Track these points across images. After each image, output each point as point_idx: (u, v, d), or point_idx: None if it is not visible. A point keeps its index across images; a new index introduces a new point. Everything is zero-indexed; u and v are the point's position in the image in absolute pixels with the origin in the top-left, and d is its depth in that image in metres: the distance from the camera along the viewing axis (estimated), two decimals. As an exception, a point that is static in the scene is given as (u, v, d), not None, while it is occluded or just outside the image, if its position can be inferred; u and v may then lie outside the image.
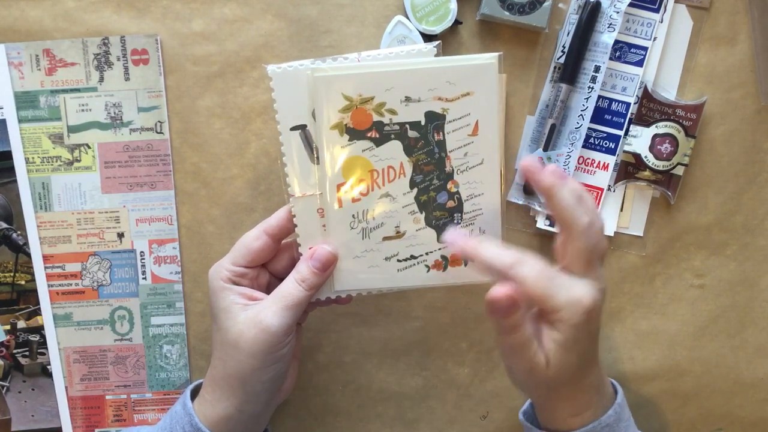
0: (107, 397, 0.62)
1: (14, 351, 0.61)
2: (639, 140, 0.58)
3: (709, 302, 0.62)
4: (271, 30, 0.59)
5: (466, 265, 0.52)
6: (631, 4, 0.57)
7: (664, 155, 0.58)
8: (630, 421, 0.52)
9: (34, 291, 0.60)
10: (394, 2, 0.58)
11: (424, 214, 0.51)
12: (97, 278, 0.61)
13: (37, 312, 0.61)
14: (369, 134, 0.50)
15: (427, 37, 0.57)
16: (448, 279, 0.52)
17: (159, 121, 0.59)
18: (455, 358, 0.62)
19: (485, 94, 0.49)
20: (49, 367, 0.61)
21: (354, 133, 0.50)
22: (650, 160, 0.58)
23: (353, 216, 0.51)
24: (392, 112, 0.50)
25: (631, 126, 0.58)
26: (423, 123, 0.50)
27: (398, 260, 0.52)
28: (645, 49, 0.58)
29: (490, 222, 0.51)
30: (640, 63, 0.58)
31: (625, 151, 0.59)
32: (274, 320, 0.49)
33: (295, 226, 0.51)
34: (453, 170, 0.51)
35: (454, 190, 0.51)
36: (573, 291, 0.45)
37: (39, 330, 0.61)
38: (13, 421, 0.62)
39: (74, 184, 0.59)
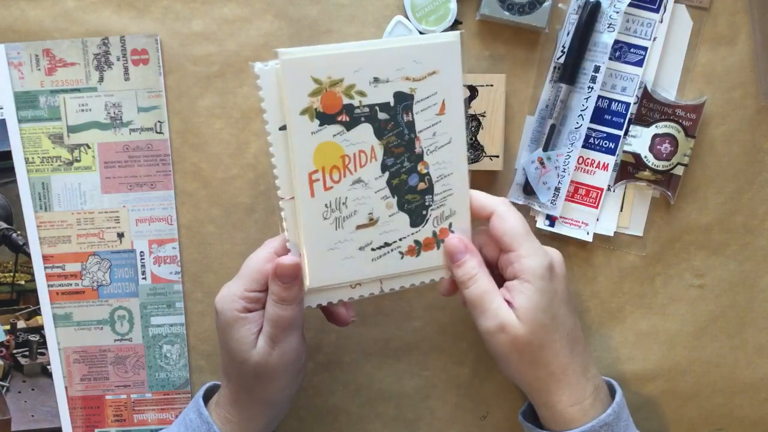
0: (107, 397, 0.62)
1: (14, 351, 0.61)
2: (639, 140, 0.58)
3: (709, 302, 0.62)
4: (271, 30, 0.59)
5: (438, 248, 0.52)
6: (630, 4, 0.57)
7: (664, 155, 0.58)
8: (629, 420, 0.52)
9: (34, 291, 0.60)
10: (394, 2, 0.58)
11: (396, 198, 0.50)
12: (96, 278, 0.61)
13: (37, 312, 0.61)
14: (339, 118, 0.48)
15: (427, 37, 0.57)
16: (421, 265, 0.52)
17: (159, 121, 0.59)
18: (455, 358, 0.62)
19: (450, 72, 0.49)
20: (49, 367, 0.61)
21: (324, 118, 0.48)
22: (650, 160, 0.58)
23: (326, 206, 0.49)
24: (362, 93, 0.48)
25: (631, 126, 0.58)
26: (392, 104, 0.49)
27: (372, 249, 0.51)
28: (645, 49, 0.58)
29: (460, 202, 0.52)
30: (639, 63, 0.58)
31: (624, 151, 0.59)
32: (284, 345, 0.49)
33: (284, 230, 0.50)
34: (423, 151, 0.50)
35: (424, 171, 0.51)
36: (540, 245, 0.50)
37: (39, 330, 0.61)
38: (13, 421, 0.62)
39: (74, 184, 0.59)
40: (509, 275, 0.50)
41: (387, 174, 0.50)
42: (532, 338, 0.48)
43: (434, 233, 0.51)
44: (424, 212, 0.51)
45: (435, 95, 0.49)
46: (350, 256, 0.50)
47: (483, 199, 0.51)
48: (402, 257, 0.51)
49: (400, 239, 0.51)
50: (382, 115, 0.49)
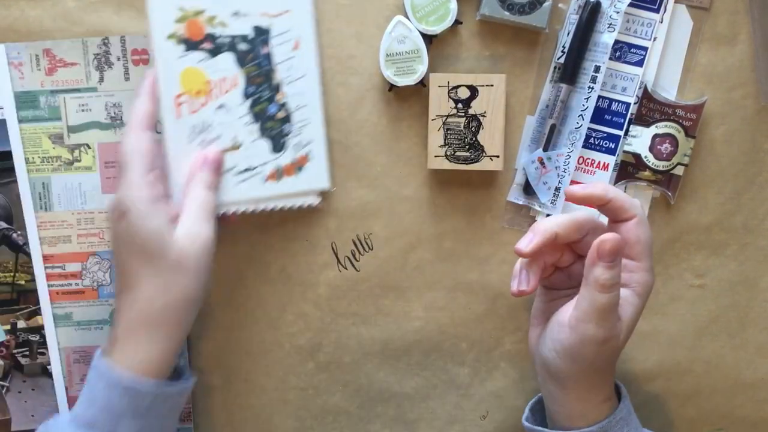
0: (107, 397, 0.62)
1: (14, 351, 0.61)
2: (639, 140, 0.58)
3: (709, 302, 0.62)
4: (271, 30, 0.59)
5: (298, 174, 0.56)
6: (631, 4, 0.57)
7: (664, 155, 0.58)
8: (635, 415, 0.53)
9: (34, 291, 0.60)
10: (394, 2, 0.58)
11: (258, 124, 0.55)
12: (97, 278, 0.61)
13: (37, 312, 0.61)
14: (203, 46, 0.53)
15: (427, 37, 0.57)
16: (282, 190, 0.56)
17: (158, 122, 0.59)
18: (455, 358, 0.62)
19: (301, 13, 0.55)
20: (49, 367, 0.61)
21: (189, 44, 0.53)
22: (650, 160, 0.58)
23: (192, 128, 0.54)
24: (223, 24, 0.53)
25: (631, 126, 0.58)
26: (252, 37, 0.54)
27: (236, 173, 0.55)
28: (645, 49, 0.58)
29: (315, 132, 0.56)
30: (640, 63, 0.58)
31: (625, 151, 0.59)
32: (208, 230, 0.51)
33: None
34: (280, 82, 0.55)
35: (282, 101, 0.55)
36: None
37: (39, 330, 0.61)
38: (13, 421, 0.62)
39: (74, 184, 0.59)
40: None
41: (249, 101, 0.54)
42: (618, 350, 0.50)
43: (293, 160, 0.56)
44: (283, 140, 0.55)
45: (289, 32, 0.54)
46: None
47: (627, 199, 0.49)
48: (264, 181, 0.55)
49: (262, 164, 0.55)
50: (242, 46, 0.54)
